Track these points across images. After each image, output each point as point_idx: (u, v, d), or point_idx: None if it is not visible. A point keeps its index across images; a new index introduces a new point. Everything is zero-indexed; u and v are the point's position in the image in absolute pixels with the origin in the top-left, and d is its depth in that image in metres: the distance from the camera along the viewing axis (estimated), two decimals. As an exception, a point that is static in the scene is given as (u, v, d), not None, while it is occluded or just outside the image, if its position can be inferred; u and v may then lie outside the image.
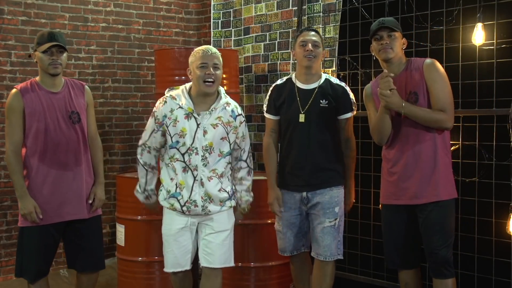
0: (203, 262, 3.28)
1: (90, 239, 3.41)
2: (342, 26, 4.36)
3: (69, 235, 3.38)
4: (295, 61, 3.58)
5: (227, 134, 3.22)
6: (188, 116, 3.17)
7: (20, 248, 3.32)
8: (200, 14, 5.76)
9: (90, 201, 3.38)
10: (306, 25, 4.59)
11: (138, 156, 3.35)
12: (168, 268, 3.35)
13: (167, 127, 3.19)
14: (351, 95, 3.48)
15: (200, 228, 3.30)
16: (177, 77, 3.70)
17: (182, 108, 3.18)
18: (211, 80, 3.13)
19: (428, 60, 3.15)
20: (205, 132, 3.17)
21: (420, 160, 3.12)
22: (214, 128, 3.19)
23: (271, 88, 3.59)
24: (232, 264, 3.35)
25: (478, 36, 3.60)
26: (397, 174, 3.19)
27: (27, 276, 3.31)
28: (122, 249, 4.31)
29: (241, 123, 3.30)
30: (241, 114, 3.31)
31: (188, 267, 3.33)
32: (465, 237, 3.72)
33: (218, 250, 3.25)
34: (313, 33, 3.44)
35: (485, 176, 3.63)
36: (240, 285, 4.13)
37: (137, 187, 3.41)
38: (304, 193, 3.42)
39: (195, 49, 3.24)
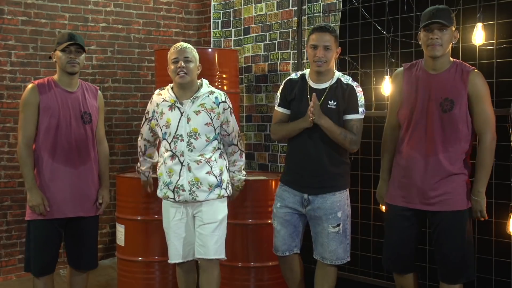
0: (196, 254, 3.43)
1: (87, 239, 3.50)
2: (342, 26, 4.36)
3: (69, 233, 3.46)
4: (298, 61, 3.58)
5: (211, 120, 3.38)
6: (171, 107, 3.40)
7: (28, 242, 3.42)
8: (200, 14, 5.76)
9: (100, 201, 3.49)
10: (306, 25, 4.59)
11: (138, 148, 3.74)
12: (171, 259, 3.52)
13: (157, 120, 3.45)
14: (360, 96, 3.32)
15: (194, 221, 3.45)
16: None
17: (166, 101, 3.43)
18: (183, 72, 3.32)
19: (475, 72, 3.03)
20: (188, 119, 3.36)
21: (441, 169, 3.04)
22: (197, 114, 3.36)
23: (284, 82, 3.51)
24: (223, 256, 3.45)
25: (478, 36, 3.60)
26: (415, 177, 3.10)
27: (33, 269, 3.39)
28: (122, 249, 4.30)
29: (224, 109, 3.44)
30: (225, 102, 3.45)
31: (190, 257, 3.49)
32: (465, 237, 3.72)
33: (208, 241, 3.38)
34: (326, 34, 3.28)
35: (485, 176, 3.62)
36: (240, 285, 4.13)
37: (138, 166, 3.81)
38: (306, 195, 3.37)
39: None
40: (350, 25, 4.30)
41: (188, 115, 3.35)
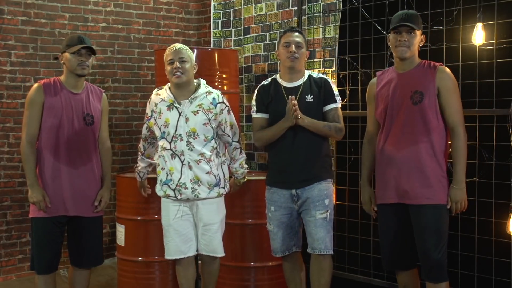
0: (201, 251, 3.58)
1: (89, 238, 3.54)
2: (342, 26, 4.36)
3: (71, 231, 3.53)
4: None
5: (209, 120, 3.46)
6: (169, 107, 3.46)
7: (32, 239, 3.51)
8: (200, 14, 5.76)
9: (96, 204, 3.53)
10: (306, 25, 4.59)
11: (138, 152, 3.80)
12: (170, 255, 3.57)
13: (155, 119, 3.51)
14: (334, 87, 3.47)
15: (195, 220, 3.54)
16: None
17: (164, 101, 3.48)
18: (179, 72, 3.39)
19: (442, 67, 3.14)
20: (187, 119, 3.43)
21: (416, 160, 3.11)
22: (195, 115, 3.44)
23: (257, 89, 3.61)
24: (223, 253, 3.61)
25: (478, 36, 3.60)
26: (391, 173, 3.19)
27: (35, 266, 3.44)
28: (122, 249, 4.31)
29: (222, 110, 3.51)
30: (222, 102, 3.52)
31: (191, 253, 3.56)
32: (465, 237, 3.72)
33: (213, 241, 3.54)
34: (296, 34, 3.46)
35: (485, 176, 3.63)
36: (240, 285, 4.13)
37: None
38: (294, 191, 3.43)
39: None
40: (350, 25, 4.30)
41: (186, 115, 3.42)
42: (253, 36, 5.06)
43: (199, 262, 3.78)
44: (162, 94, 3.51)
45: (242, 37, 5.15)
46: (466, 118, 3.64)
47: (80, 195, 3.45)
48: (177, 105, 3.44)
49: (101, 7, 5.22)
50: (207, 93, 3.49)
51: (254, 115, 3.57)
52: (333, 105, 3.44)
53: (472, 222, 3.68)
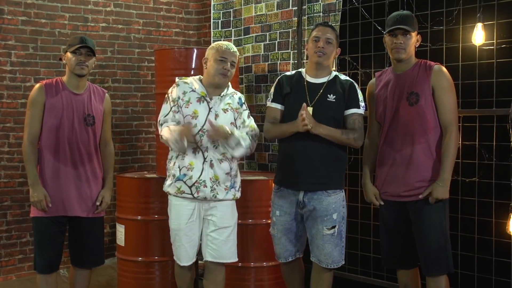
0: (208, 257, 3.39)
1: (89, 238, 3.55)
2: (342, 26, 4.36)
3: (71, 232, 3.53)
4: (298, 61, 3.58)
5: (235, 119, 3.39)
6: (200, 99, 3.33)
7: (34, 239, 3.52)
8: (200, 14, 5.76)
9: (98, 203, 3.53)
10: (306, 25, 4.59)
11: (160, 133, 3.32)
12: (183, 262, 3.41)
13: (181, 107, 3.33)
14: (359, 93, 3.33)
15: (204, 223, 3.39)
16: (177, 77, 3.73)
17: (195, 91, 3.35)
18: (226, 75, 3.32)
19: (438, 66, 3.15)
20: (216, 116, 3.32)
21: (413, 162, 3.13)
22: (225, 112, 3.36)
23: (278, 78, 3.48)
24: (235, 259, 3.46)
25: (478, 36, 3.60)
26: (391, 171, 3.22)
27: (36, 265, 3.46)
28: (122, 249, 4.31)
29: (244, 110, 3.46)
30: (244, 103, 3.49)
31: (195, 258, 3.45)
32: (465, 237, 3.72)
33: (223, 246, 3.37)
34: (328, 29, 3.33)
35: (485, 176, 3.63)
36: (240, 285, 4.13)
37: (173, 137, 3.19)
38: (301, 197, 3.31)
39: (217, 43, 3.40)
40: (350, 25, 4.30)
41: (216, 111, 3.32)
42: (253, 36, 5.06)
43: (199, 262, 3.76)
44: (192, 84, 3.36)
45: (242, 37, 5.14)
46: (466, 118, 3.66)
47: (79, 195, 3.45)
48: (208, 99, 3.33)
49: (101, 7, 5.23)
50: (233, 93, 3.45)
51: (269, 104, 3.45)
52: (355, 110, 3.29)
53: (472, 222, 3.68)
